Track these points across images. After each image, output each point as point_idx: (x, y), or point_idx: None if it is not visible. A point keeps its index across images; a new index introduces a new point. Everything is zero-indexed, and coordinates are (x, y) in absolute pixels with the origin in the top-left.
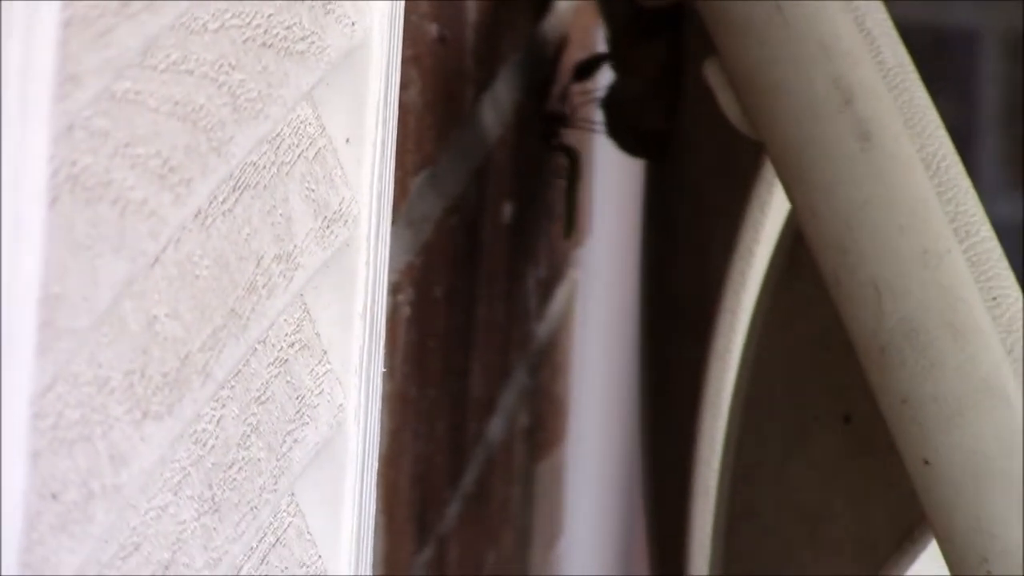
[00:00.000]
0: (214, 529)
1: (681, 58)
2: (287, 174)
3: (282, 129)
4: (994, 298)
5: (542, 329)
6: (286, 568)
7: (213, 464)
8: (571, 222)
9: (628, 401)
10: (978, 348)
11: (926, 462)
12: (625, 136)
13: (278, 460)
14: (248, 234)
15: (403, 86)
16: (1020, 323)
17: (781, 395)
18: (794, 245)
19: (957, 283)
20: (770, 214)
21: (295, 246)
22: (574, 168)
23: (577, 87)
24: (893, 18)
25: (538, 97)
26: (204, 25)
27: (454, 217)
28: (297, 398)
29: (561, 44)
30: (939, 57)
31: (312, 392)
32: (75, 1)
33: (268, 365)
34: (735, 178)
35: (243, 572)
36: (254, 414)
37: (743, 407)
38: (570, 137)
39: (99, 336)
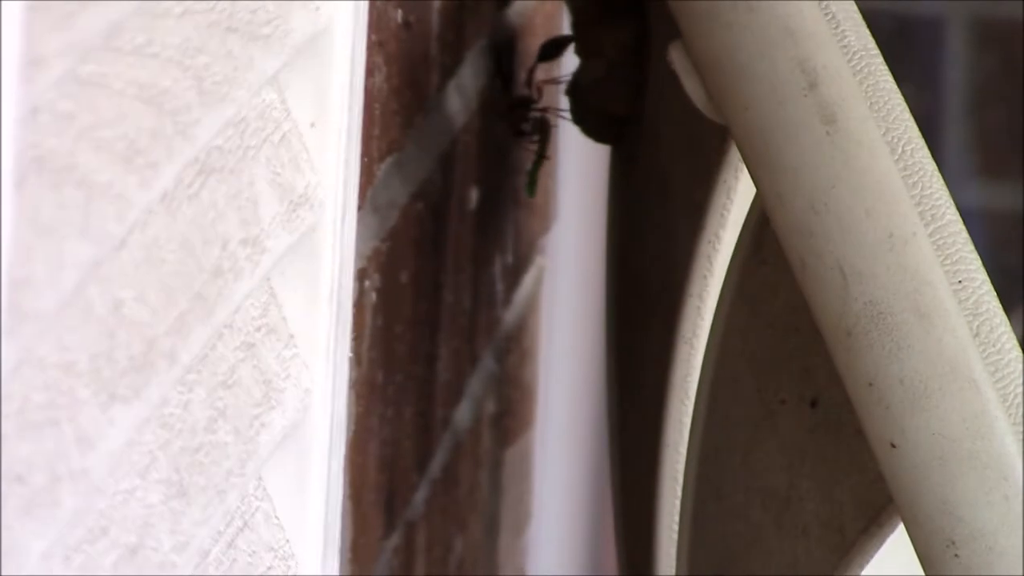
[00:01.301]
0: (181, 513)
1: (646, 42)
2: (253, 158)
3: (247, 113)
4: (960, 281)
5: (509, 315)
6: (254, 551)
7: (180, 448)
8: (533, 182)
9: (595, 387)
10: (944, 331)
11: (893, 445)
12: (589, 121)
13: (245, 444)
14: (214, 218)
15: (369, 72)
16: (985, 306)
17: (747, 379)
18: (760, 229)
19: (923, 266)
20: (736, 199)
21: (261, 230)
22: (544, 135)
23: (542, 74)
24: (860, 4)
25: (503, 85)
26: (169, 8)
27: (420, 203)
28: (264, 382)
29: (522, 31)
30: (904, 43)
31: (279, 376)
32: None
33: (235, 349)
34: (700, 162)
35: (211, 555)
36: (221, 398)
37: (709, 391)
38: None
39: (65, 319)
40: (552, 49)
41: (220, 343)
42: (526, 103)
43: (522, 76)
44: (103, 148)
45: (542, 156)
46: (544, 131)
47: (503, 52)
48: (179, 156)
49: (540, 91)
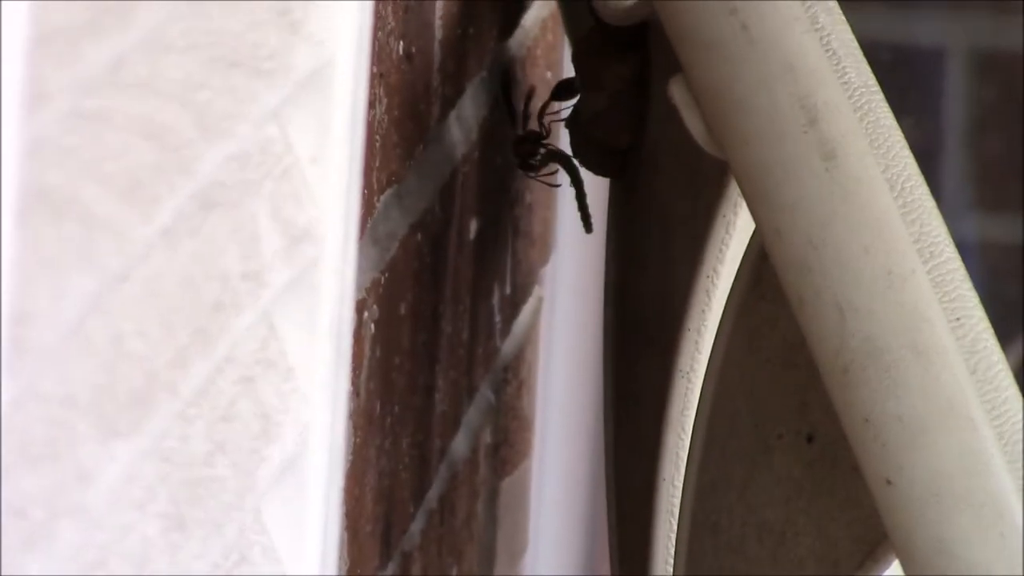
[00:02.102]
0: (180, 546)
1: (646, 75)
2: (254, 193)
3: (249, 147)
4: (958, 319)
5: (507, 346)
6: None
7: (179, 481)
8: (586, 216)
9: (593, 418)
10: (942, 368)
11: (889, 482)
12: (590, 153)
13: (244, 478)
14: (215, 252)
15: (370, 104)
16: (983, 343)
17: (745, 414)
18: (759, 264)
19: (921, 304)
20: (735, 233)
21: (262, 264)
22: (573, 170)
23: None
24: (858, 36)
25: (511, 122)
26: (172, 43)
27: (420, 234)
28: (263, 416)
29: (523, 62)
30: (904, 75)
31: (278, 410)
32: (44, 18)
33: (234, 383)
34: (700, 197)
35: None
36: (220, 432)
37: (707, 425)
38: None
39: (66, 353)
40: (566, 90)
41: (220, 377)
42: (535, 139)
43: (523, 106)
44: (105, 182)
45: (580, 189)
46: (569, 165)
47: (508, 88)
48: (181, 190)
49: (548, 127)
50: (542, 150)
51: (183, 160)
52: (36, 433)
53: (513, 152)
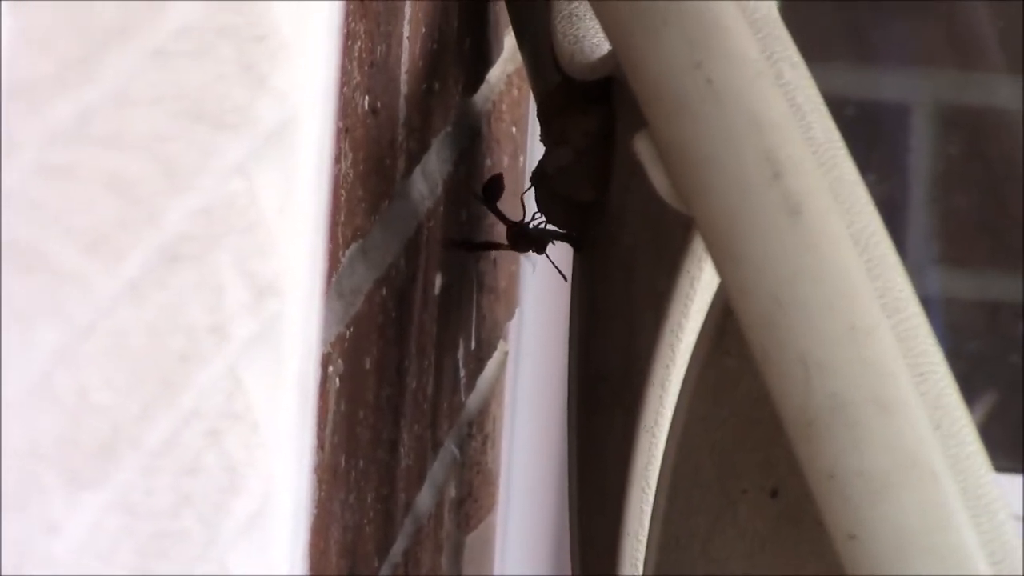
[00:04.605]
0: None
1: (611, 130)
2: (220, 246)
3: (215, 201)
4: (921, 373)
5: (472, 400)
6: None
7: (145, 534)
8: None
9: (557, 473)
10: (905, 423)
11: (852, 536)
12: (555, 208)
13: (210, 530)
14: (180, 305)
15: (335, 158)
16: (947, 398)
17: (709, 468)
18: (723, 319)
19: (885, 359)
20: (699, 288)
21: (227, 317)
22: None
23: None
24: (823, 91)
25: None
26: (138, 97)
27: (385, 289)
28: (228, 469)
29: (488, 117)
30: (869, 130)
31: (243, 463)
32: (11, 71)
33: (199, 436)
34: (664, 251)
35: None
36: (186, 485)
37: (671, 480)
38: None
39: (33, 405)
40: (494, 190)
41: (185, 430)
42: (520, 226)
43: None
44: (72, 235)
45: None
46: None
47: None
48: (146, 244)
49: (523, 204)
50: (532, 230)
51: (149, 213)
52: (3, 485)
53: (514, 247)
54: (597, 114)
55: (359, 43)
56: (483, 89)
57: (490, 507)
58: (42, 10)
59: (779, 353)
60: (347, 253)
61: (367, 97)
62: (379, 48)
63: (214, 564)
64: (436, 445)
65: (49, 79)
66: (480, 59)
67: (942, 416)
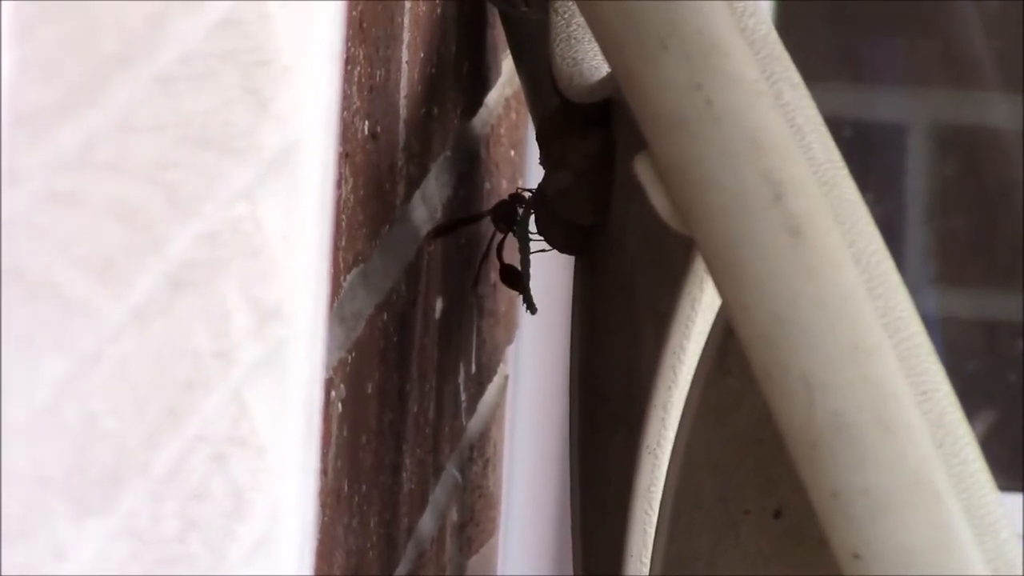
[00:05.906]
0: None
1: (611, 153)
2: (224, 272)
3: (219, 227)
4: (924, 392)
5: (473, 424)
6: None
7: (151, 560)
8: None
9: (559, 496)
10: (908, 442)
11: (856, 556)
12: (555, 231)
13: (215, 556)
14: (186, 332)
15: (336, 183)
16: (949, 417)
17: (711, 489)
18: (725, 340)
19: (887, 378)
20: (701, 310)
21: (232, 343)
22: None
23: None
24: (822, 112)
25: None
26: (142, 123)
27: (386, 314)
28: (234, 494)
29: (487, 141)
30: (866, 151)
31: (249, 488)
32: (15, 99)
33: (206, 461)
34: (665, 273)
35: None
36: (192, 510)
37: (673, 501)
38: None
39: (40, 432)
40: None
41: (191, 455)
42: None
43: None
44: (78, 262)
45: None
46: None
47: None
48: (151, 270)
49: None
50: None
51: (154, 240)
52: (11, 511)
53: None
54: (596, 137)
55: (358, 68)
56: (481, 113)
57: (491, 531)
58: (45, 37)
59: (781, 373)
60: (348, 278)
61: (367, 122)
62: (378, 73)
63: None
64: (438, 469)
65: (53, 106)
66: (478, 83)
67: (945, 435)
